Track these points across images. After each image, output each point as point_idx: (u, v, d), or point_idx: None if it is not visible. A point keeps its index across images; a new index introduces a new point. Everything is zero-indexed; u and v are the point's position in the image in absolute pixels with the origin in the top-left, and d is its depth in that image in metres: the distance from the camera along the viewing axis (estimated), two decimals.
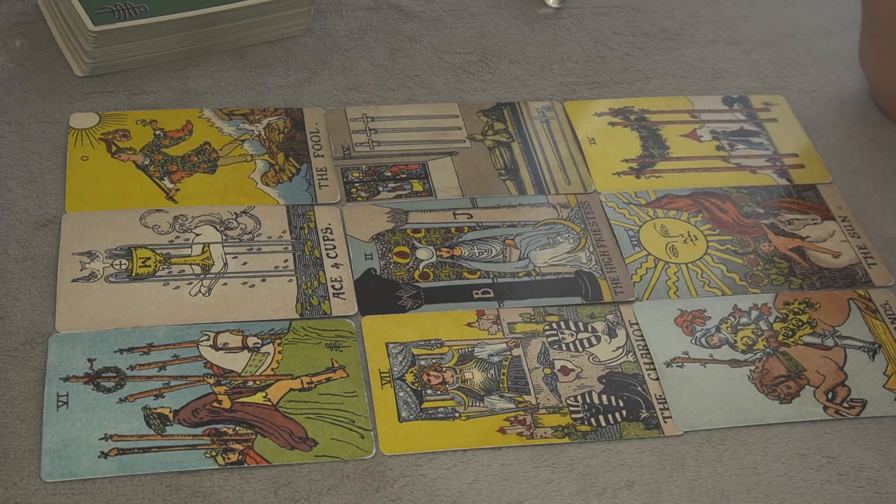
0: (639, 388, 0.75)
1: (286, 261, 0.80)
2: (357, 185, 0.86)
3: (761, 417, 0.75)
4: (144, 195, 0.83)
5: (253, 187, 0.84)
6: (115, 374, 0.72)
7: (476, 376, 0.75)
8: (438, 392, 0.74)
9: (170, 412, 0.70)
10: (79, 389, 0.71)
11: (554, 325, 0.78)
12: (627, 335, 0.78)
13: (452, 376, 0.75)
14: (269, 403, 0.71)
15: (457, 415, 0.73)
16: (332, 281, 0.79)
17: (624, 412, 0.74)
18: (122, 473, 0.67)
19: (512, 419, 0.73)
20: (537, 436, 0.72)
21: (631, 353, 0.77)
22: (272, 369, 0.73)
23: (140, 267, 0.78)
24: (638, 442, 0.73)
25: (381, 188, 0.86)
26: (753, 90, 0.99)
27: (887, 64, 0.90)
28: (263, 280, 0.78)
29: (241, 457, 0.69)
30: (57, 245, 0.78)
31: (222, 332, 0.75)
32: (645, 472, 0.71)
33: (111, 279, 0.77)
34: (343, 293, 0.78)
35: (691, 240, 0.85)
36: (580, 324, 0.79)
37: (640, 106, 0.96)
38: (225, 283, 0.78)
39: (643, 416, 0.74)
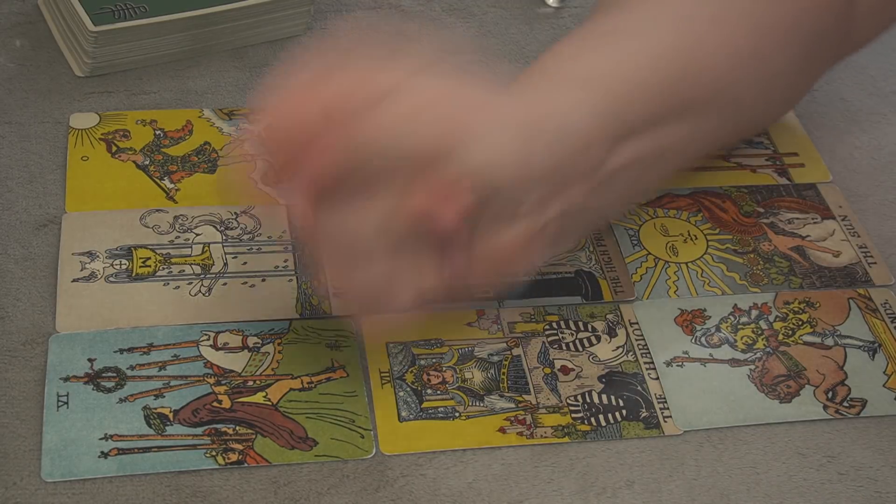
0: (639, 388, 0.75)
1: (286, 261, 0.80)
2: None
3: (761, 417, 0.75)
4: (144, 195, 0.83)
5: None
6: (115, 374, 0.72)
7: (476, 376, 0.75)
8: (438, 392, 0.74)
9: (170, 412, 0.70)
10: (79, 389, 0.71)
11: (554, 325, 0.78)
12: (627, 335, 0.78)
13: (452, 376, 0.75)
14: (269, 403, 0.71)
15: (457, 414, 0.73)
16: (332, 280, 0.79)
17: (624, 412, 0.74)
18: (122, 473, 0.67)
19: (512, 419, 0.73)
20: (537, 435, 0.72)
21: (631, 353, 0.77)
22: (272, 369, 0.73)
23: (140, 267, 0.78)
24: (638, 441, 0.73)
25: None
26: None
27: None
28: (263, 280, 0.78)
29: (241, 457, 0.69)
30: (57, 245, 0.78)
31: (222, 331, 0.75)
32: (645, 471, 0.71)
33: (111, 279, 0.77)
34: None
35: (691, 239, 0.85)
36: (580, 323, 0.79)
37: None
38: (225, 283, 0.78)
39: (643, 415, 0.74)
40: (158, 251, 0.79)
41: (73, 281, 0.76)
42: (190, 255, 0.79)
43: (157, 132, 0.87)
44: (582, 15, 1.04)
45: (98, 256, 0.78)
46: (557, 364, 0.76)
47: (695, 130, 0.78)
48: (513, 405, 0.74)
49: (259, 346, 0.74)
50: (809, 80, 0.90)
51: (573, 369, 0.76)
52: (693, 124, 0.77)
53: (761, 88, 0.83)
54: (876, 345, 0.80)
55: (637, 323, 0.79)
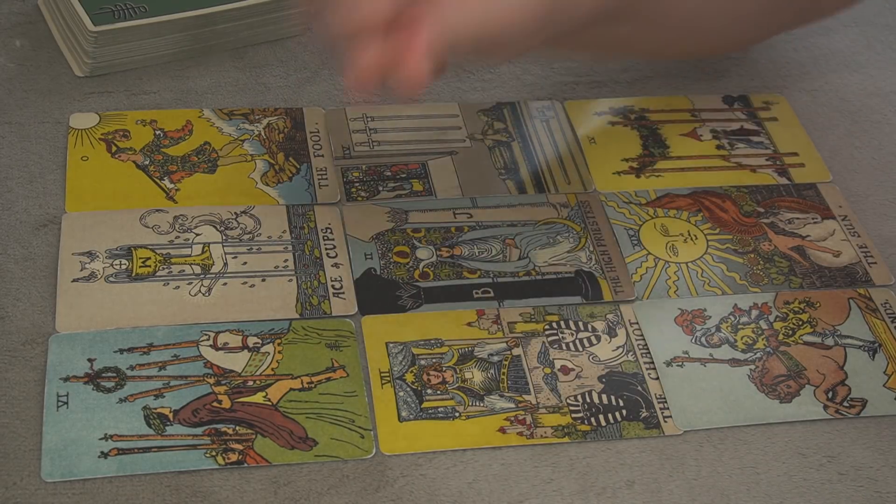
0: (639, 388, 0.75)
1: (286, 260, 0.80)
2: (357, 184, 0.86)
3: (761, 417, 0.75)
4: (144, 195, 0.83)
5: (253, 187, 0.84)
6: (115, 374, 0.72)
7: (476, 376, 0.75)
8: (438, 392, 0.74)
9: (170, 412, 0.70)
10: (79, 389, 0.71)
11: (554, 325, 0.78)
12: (627, 334, 0.78)
13: (452, 376, 0.75)
14: (269, 403, 0.71)
15: (457, 414, 0.73)
16: (332, 281, 0.79)
17: (624, 411, 0.74)
18: (122, 473, 0.67)
19: (512, 419, 0.73)
20: (537, 435, 0.72)
21: (631, 353, 0.77)
22: (272, 369, 0.73)
23: (140, 267, 0.78)
24: (638, 441, 0.73)
25: (381, 188, 0.86)
26: (754, 89, 0.99)
27: None
28: (263, 280, 0.78)
29: (241, 457, 0.69)
30: (57, 245, 0.78)
31: (222, 331, 0.75)
32: (645, 471, 0.71)
33: (111, 279, 0.77)
34: (343, 293, 0.78)
35: (691, 239, 0.85)
36: (580, 323, 0.79)
37: (640, 105, 0.96)
38: (225, 283, 0.78)
39: (643, 415, 0.74)
40: (158, 251, 0.79)
41: (73, 281, 0.76)
42: (190, 255, 0.79)
43: (157, 132, 0.87)
44: None
45: (98, 256, 0.78)
46: (557, 364, 0.76)
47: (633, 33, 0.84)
48: (513, 405, 0.74)
49: (259, 346, 0.74)
50: (769, 30, 0.95)
51: (573, 369, 0.76)
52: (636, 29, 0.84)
53: (723, 24, 0.87)
54: (876, 345, 0.80)
55: (637, 323, 0.79)
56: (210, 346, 0.74)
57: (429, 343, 0.76)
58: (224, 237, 0.81)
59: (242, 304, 0.77)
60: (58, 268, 0.77)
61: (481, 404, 0.73)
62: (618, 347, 0.78)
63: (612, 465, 0.71)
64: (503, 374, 0.75)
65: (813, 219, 0.88)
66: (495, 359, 0.76)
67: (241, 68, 0.94)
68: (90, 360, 0.72)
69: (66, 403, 0.70)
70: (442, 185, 0.87)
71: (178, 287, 0.77)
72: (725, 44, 0.95)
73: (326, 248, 0.81)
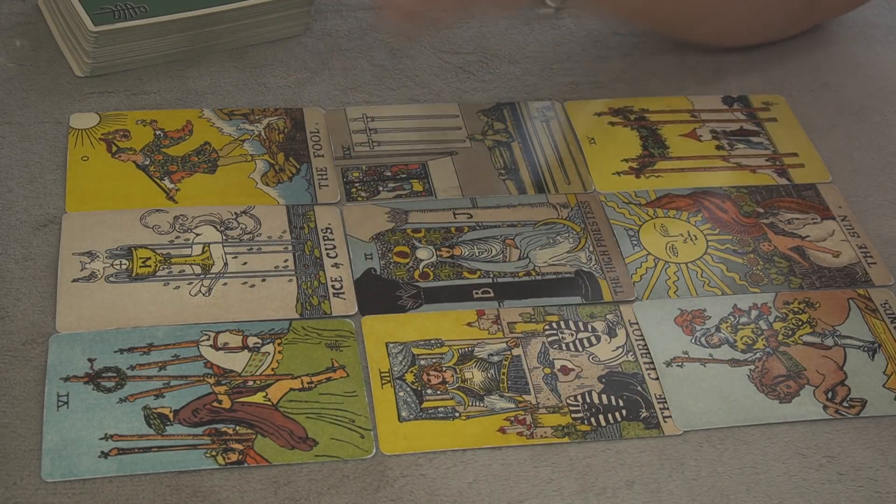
0: (639, 388, 0.75)
1: (286, 261, 0.80)
2: (357, 185, 0.86)
3: (761, 417, 0.75)
4: (144, 195, 0.83)
5: (253, 187, 0.84)
6: (115, 374, 0.72)
7: (476, 376, 0.75)
8: (438, 392, 0.74)
9: (170, 412, 0.70)
10: (79, 389, 0.71)
11: (554, 325, 0.78)
12: (627, 335, 0.78)
13: (452, 376, 0.75)
14: (270, 403, 0.71)
15: (457, 414, 0.73)
16: (332, 281, 0.79)
17: (624, 412, 0.74)
18: (123, 473, 0.67)
19: (512, 419, 0.73)
20: (537, 435, 0.72)
21: (631, 353, 0.77)
22: (272, 369, 0.73)
23: (140, 267, 0.78)
24: (638, 441, 0.73)
25: (381, 188, 0.86)
26: (753, 90, 0.99)
27: None
28: (263, 280, 0.78)
29: (241, 457, 0.69)
30: (57, 245, 0.78)
31: (222, 331, 0.75)
32: (645, 471, 0.71)
33: (111, 279, 0.77)
34: (343, 293, 0.78)
35: (691, 239, 0.85)
36: (580, 323, 0.79)
37: (639, 106, 0.96)
38: (225, 283, 0.78)
39: (643, 415, 0.74)
40: (158, 251, 0.79)
41: (73, 281, 0.76)
42: (190, 255, 0.79)
43: (157, 132, 0.87)
44: (582, 15, 1.04)
45: (98, 256, 0.78)
46: (557, 364, 0.76)
47: None
48: (513, 405, 0.74)
49: (259, 346, 0.74)
50: (763, 29, 0.99)
51: (573, 369, 0.76)
52: None
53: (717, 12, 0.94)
54: (876, 345, 0.80)
55: (637, 323, 0.79)
56: (210, 346, 0.74)
57: (429, 343, 0.76)
58: (224, 237, 0.81)
59: (242, 304, 0.77)
60: (58, 268, 0.77)
61: (481, 404, 0.73)
62: (618, 347, 0.78)
63: (611, 465, 0.71)
64: (503, 374, 0.75)
65: (812, 219, 0.88)
66: (495, 359, 0.76)
67: (241, 68, 0.94)
68: (90, 360, 0.72)
69: (67, 403, 0.70)
70: (442, 185, 0.87)
71: (179, 287, 0.77)
72: (711, 32, 0.99)
73: (326, 248, 0.81)
